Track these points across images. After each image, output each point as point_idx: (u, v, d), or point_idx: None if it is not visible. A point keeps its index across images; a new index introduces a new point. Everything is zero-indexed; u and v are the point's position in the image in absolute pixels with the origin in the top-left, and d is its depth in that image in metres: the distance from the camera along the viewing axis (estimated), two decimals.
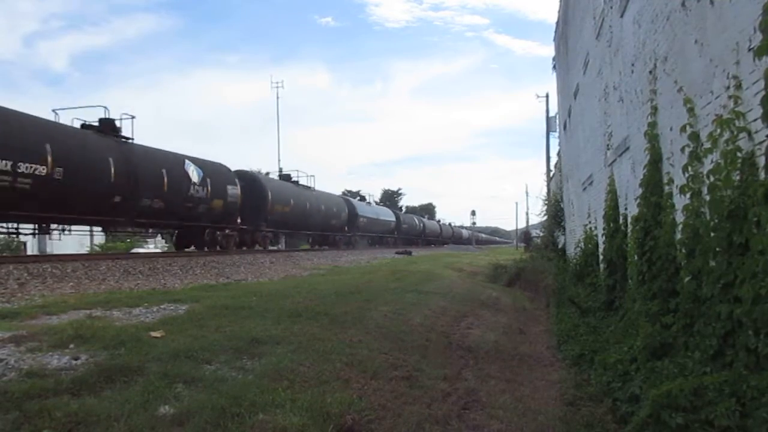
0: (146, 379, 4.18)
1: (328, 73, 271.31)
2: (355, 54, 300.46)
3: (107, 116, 17.81)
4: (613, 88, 9.25)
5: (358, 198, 56.07)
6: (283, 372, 4.74)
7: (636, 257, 6.28)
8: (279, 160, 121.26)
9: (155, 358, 4.70)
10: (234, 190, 22.92)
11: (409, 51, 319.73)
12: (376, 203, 64.16)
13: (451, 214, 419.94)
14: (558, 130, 27.61)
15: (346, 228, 37.63)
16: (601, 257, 10.41)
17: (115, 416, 3.46)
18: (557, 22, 21.86)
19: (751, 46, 3.48)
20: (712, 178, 4.05)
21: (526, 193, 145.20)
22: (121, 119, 18.13)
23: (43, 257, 15.45)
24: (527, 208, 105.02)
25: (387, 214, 50.18)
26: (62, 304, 7.49)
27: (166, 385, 4.08)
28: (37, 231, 16.38)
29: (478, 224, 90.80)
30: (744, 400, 3.28)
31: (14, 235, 16.80)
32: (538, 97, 41.00)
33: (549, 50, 37.18)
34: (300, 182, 32.39)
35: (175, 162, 19.81)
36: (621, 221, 8.34)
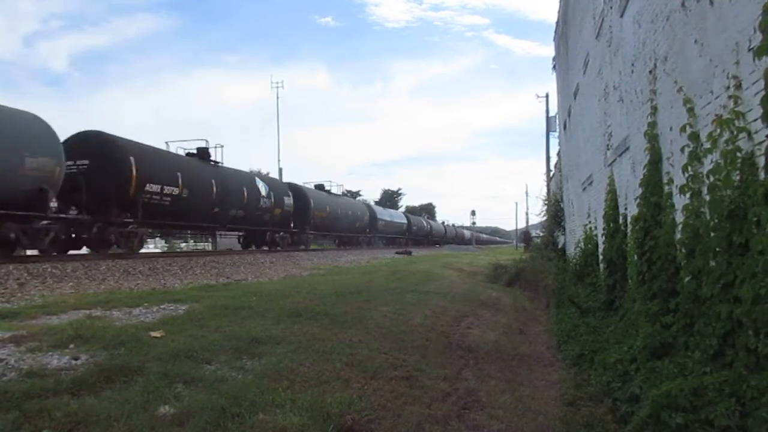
0: (146, 379, 4.18)
1: (328, 73, 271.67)
2: (355, 54, 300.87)
3: (205, 146, 23.36)
4: (613, 88, 9.25)
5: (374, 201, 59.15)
6: (283, 372, 4.74)
7: (636, 257, 6.27)
8: (279, 160, 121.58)
9: (155, 358, 4.70)
10: (289, 200, 28.69)
11: (408, 51, 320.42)
12: (375, 203, 65.31)
13: (451, 214, 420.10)
14: (558, 130, 27.62)
15: (368, 230, 43.74)
16: (601, 257, 10.41)
17: (115, 416, 3.46)
18: (557, 22, 21.87)
19: (751, 46, 3.48)
20: (712, 178, 4.05)
21: (526, 193, 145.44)
22: (214, 147, 23.89)
23: (43, 257, 15.47)
24: (527, 208, 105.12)
25: (401, 217, 56.34)
26: (62, 304, 7.49)
27: (166, 385, 4.08)
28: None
29: (478, 224, 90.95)
30: (744, 400, 3.28)
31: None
32: (538, 97, 41.07)
33: (549, 50, 37.23)
34: (332, 191, 39.20)
35: (249, 179, 25.84)
36: (621, 221, 8.34)
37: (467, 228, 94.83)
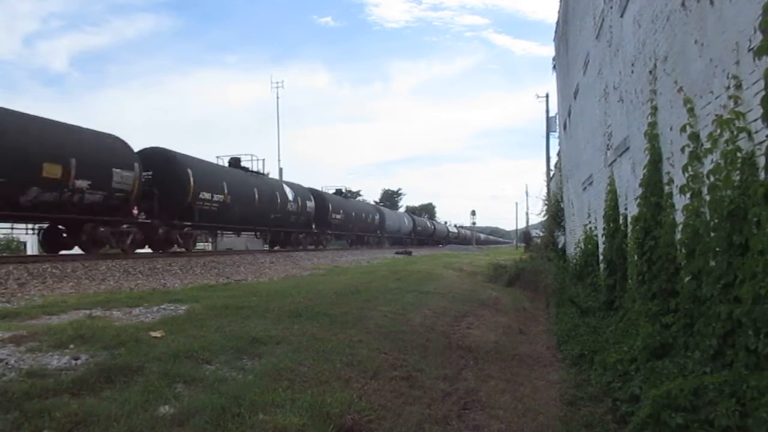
0: (146, 379, 4.18)
1: (327, 73, 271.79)
2: (354, 54, 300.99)
3: (238, 156, 26.94)
4: (613, 88, 9.24)
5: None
6: (283, 372, 4.74)
7: (636, 257, 6.27)
8: (279, 160, 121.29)
9: (155, 358, 4.70)
10: (310, 204, 31.86)
11: (408, 51, 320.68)
12: (376, 203, 66.01)
13: (451, 214, 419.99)
14: (558, 130, 27.60)
15: (378, 231, 46.94)
16: (601, 257, 10.41)
17: (115, 416, 3.46)
18: (557, 22, 21.86)
19: (751, 46, 3.48)
20: (712, 178, 4.05)
21: (526, 193, 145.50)
22: (253, 159, 28.00)
23: (43, 257, 15.50)
24: (527, 208, 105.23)
25: (407, 219, 58.90)
26: (62, 304, 7.49)
27: (166, 385, 4.08)
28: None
29: (478, 224, 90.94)
30: (744, 400, 3.28)
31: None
32: (538, 97, 41.24)
33: (549, 50, 37.27)
34: (347, 195, 43.70)
35: (279, 186, 29.21)
36: (621, 221, 8.34)
37: (467, 228, 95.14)
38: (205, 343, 5.32)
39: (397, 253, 33.84)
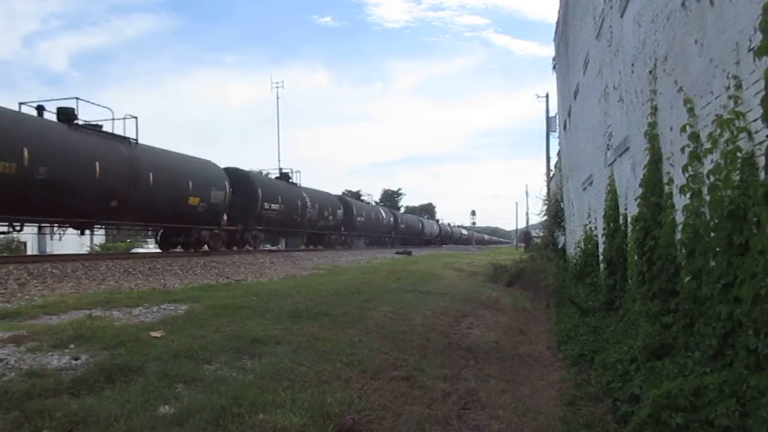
0: (146, 379, 4.18)
1: (327, 72, 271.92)
2: (354, 54, 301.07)
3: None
4: (613, 88, 9.24)
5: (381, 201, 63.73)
6: (283, 372, 4.74)
7: (636, 257, 6.27)
8: (279, 161, 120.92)
9: (155, 358, 4.70)
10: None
11: (408, 51, 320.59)
12: (376, 203, 66.75)
13: (451, 214, 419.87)
14: (558, 130, 27.60)
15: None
16: (601, 257, 10.41)
17: (115, 416, 3.46)
18: (557, 22, 21.86)
19: (751, 46, 3.48)
20: (712, 178, 4.05)
21: (526, 193, 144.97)
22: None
23: (43, 257, 15.53)
24: (527, 208, 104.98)
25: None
26: (62, 304, 7.49)
27: (166, 385, 4.08)
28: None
29: (478, 224, 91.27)
30: (744, 400, 3.28)
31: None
32: (538, 97, 41.02)
33: (549, 50, 37.23)
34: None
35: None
36: (621, 221, 8.34)
37: (467, 228, 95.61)
38: (205, 343, 5.32)
39: (397, 253, 33.87)
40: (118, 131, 17.48)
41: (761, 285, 3.24)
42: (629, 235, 7.12)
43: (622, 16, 8.09)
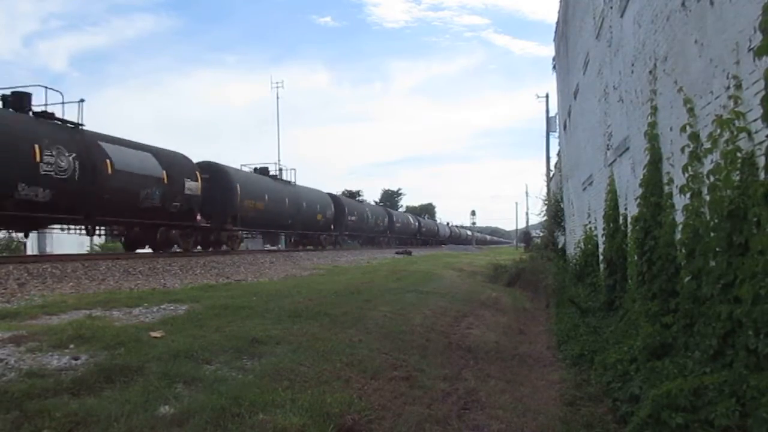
0: (146, 379, 4.18)
1: (327, 72, 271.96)
2: (354, 54, 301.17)
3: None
4: (613, 88, 9.24)
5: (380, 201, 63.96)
6: (283, 372, 4.74)
7: (636, 257, 6.27)
8: (279, 161, 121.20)
9: (155, 358, 4.70)
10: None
11: (408, 51, 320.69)
12: (376, 203, 67.20)
13: (451, 214, 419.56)
14: (558, 130, 27.60)
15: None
16: (601, 257, 10.41)
17: (115, 416, 3.46)
18: (557, 22, 21.86)
19: (751, 46, 3.48)
20: (712, 178, 4.05)
21: (526, 193, 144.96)
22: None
23: (43, 257, 15.53)
24: (527, 208, 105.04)
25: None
26: (62, 304, 7.48)
27: (166, 385, 4.08)
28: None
29: (478, 224, 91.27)
30: (744, 400, 3.28)
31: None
32: (538, 97, 41.01)
33: (549, 50, 37.23)
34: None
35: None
36: (621, 221, 8.34)
37: (467, 228, 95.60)
38: (205, 343, 5.31)
39: (397, 253, 33.86)
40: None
41: (761, 285, 3.24)
42: (629, 235, 7.12)
43: (622, 16, 8.09)
